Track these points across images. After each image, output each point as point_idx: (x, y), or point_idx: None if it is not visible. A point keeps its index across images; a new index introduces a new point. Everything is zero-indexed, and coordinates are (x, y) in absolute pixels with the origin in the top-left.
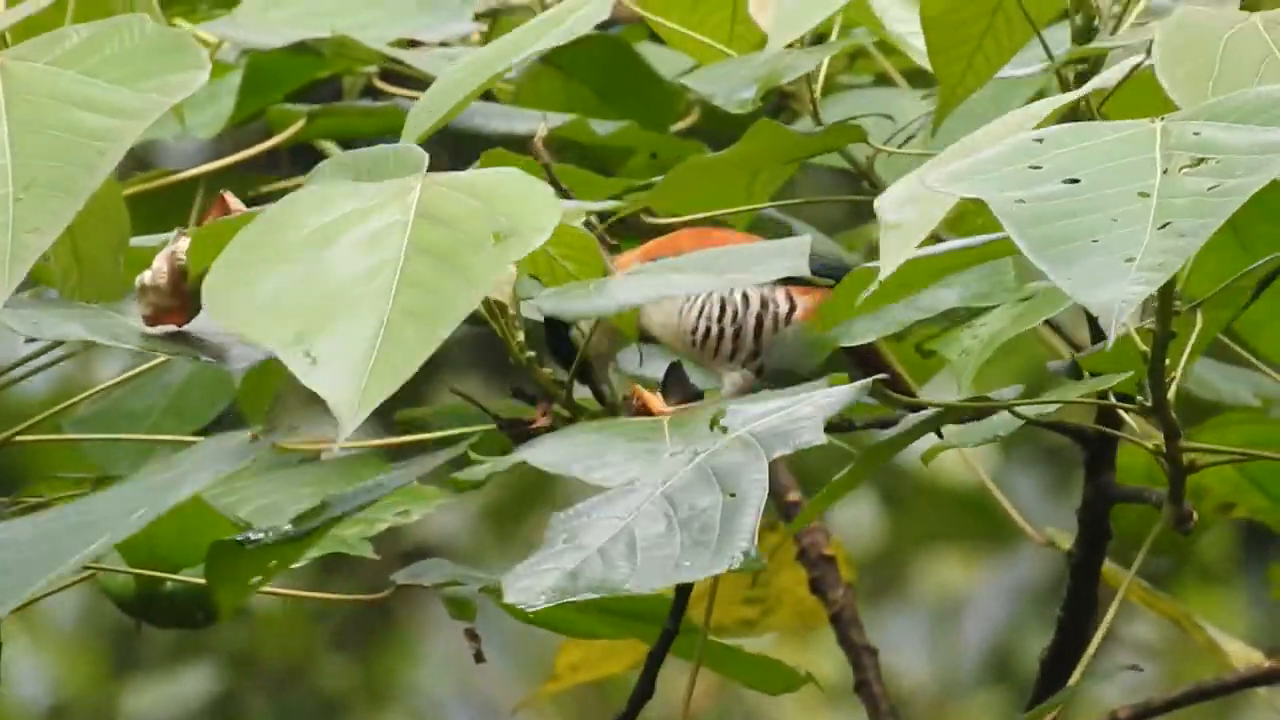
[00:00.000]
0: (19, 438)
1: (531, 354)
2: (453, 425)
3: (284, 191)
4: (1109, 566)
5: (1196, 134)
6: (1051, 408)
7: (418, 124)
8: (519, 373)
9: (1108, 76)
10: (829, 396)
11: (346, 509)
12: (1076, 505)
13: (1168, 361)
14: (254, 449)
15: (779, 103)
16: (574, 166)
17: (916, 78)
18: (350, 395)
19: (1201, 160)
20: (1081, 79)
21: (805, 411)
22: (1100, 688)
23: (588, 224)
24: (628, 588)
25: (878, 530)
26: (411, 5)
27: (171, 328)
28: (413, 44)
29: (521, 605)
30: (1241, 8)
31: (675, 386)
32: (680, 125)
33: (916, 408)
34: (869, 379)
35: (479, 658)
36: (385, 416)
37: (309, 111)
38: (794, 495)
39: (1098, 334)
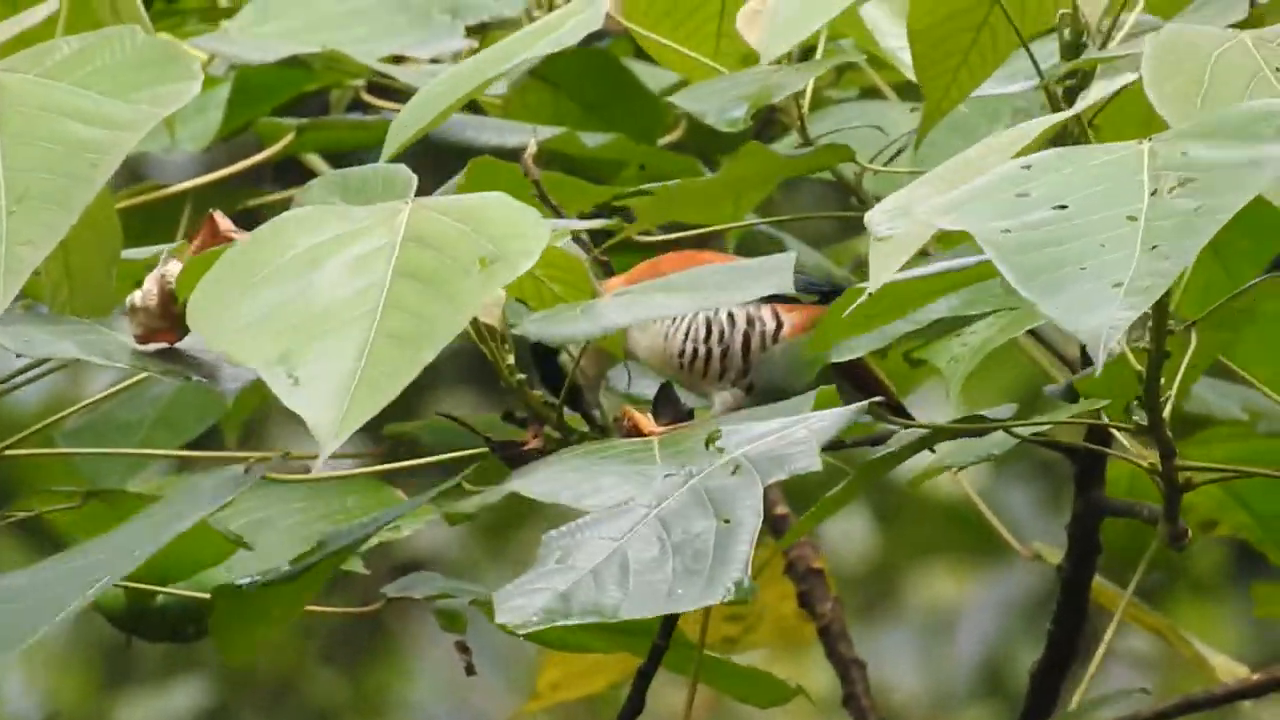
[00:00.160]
0: (10, 451)
1: (522, 377)
2: (443, 440)
3: (272, 206)
4: (1099, 581)
5: (1184, 154)
6: (1045, 427)
7: (399, 135)
8: (511, 390)
9: (1096, 94)
10: (824, 420)
11: (343, 545)
12: (1067, 520)
13: (1162, 381)
14: (248, 480)
15: (767, 116)
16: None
17: (906, 91)
18: (331, 417)
19: (1189, 180)
20: (1070, 94)
21: (800, 435)
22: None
23: (579, 241)
24: (620, 614)
25: (869, 544)
26: (403, 22)
27: (163, 345)
28: (398, 60)
29: (513, 626)
30: (1248, 18)
31: (666, 406)
32: (668, 138)
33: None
34: (866, 401)
35: (470, 670)
36: (374, 430)
37: (298, 125)
38: (782, 509)
39: (1087, 353)
